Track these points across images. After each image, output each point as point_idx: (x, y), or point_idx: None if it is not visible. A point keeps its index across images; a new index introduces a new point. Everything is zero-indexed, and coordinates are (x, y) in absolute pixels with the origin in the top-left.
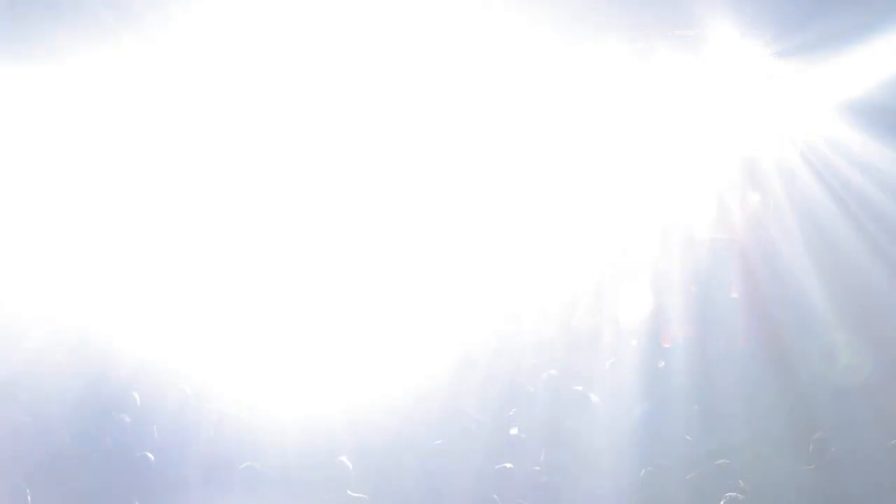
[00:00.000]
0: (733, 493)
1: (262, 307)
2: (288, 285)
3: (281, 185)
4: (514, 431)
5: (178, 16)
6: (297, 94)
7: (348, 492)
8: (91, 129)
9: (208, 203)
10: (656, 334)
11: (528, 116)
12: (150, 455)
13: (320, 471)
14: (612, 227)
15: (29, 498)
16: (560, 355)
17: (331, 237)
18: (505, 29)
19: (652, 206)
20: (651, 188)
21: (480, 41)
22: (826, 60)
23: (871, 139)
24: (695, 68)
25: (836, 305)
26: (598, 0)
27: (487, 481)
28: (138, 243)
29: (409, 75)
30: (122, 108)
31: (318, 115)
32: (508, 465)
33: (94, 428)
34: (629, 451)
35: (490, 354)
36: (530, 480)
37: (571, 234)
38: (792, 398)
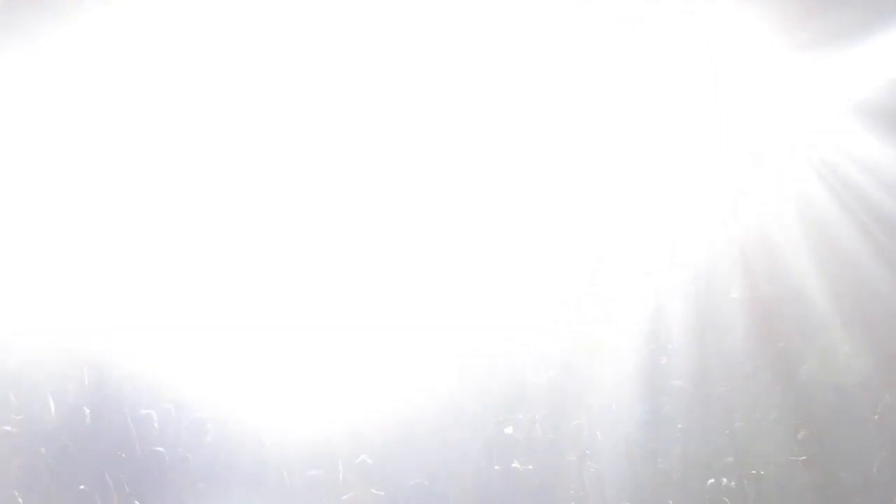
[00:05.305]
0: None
1: (270, 313)
2: (291, 290)
3: (279, 189)
4: (509, 431)
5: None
6: (294, 93)
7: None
8: (81, 128)
9: (205, 205)
10: (659, 334)
11: (534, 111)
12: (160, 452)
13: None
14: (615, 226)
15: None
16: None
17: (331, 242)
18: (507, 21)
19: (657, 204)
20: (658, 185)
21: (485, 39)
22: (838, 56)
23: (880, 135)
24: (705, 62)
25: (844, 307)
26: None
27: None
28: (129, 244)
29: (406, 72)
30: (116, 107)
31: (315, 115)
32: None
33: (91, 428)
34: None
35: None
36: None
37: (578, 233)
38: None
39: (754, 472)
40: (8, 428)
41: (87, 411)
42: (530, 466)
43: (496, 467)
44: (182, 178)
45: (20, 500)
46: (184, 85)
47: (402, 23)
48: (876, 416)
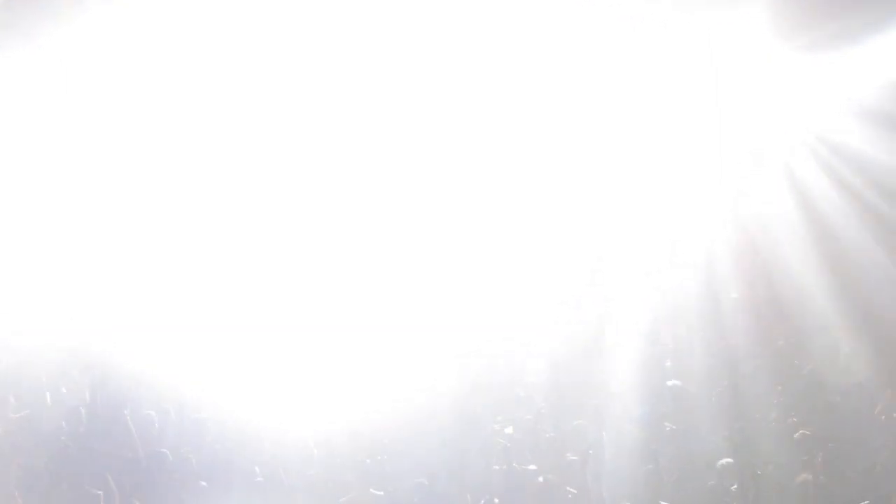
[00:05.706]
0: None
1: (270, 313)
2: (291, 291)
3: (279, 190)
4: (509, 431)
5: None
6: (293, 93)
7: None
8: (81, 127)
9: (205, 206)
10: (658, 334)
11: (534, 111)
12: (161, 452)
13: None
14: (615, 226)
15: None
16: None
17: (331, 242)
18: (507, 21)
19: (657, 204)
20: (658, 185)
21: (485, 39)
22: (838, 57)
23: (880, 136)
24: (706, 62)
25: (844, 306)
26: None
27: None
28: (129, 244)
29: (406, 73)
30: (116, 107)
31: (315, 115)
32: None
33: (91, 429)
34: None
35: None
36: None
37: (578, 233)
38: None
39: (751, 472)
40: (7, 428)
41: (87, 412)
42: (531, 466)
43: (496, 467)
44: (182, 178)
45: (20, 501)
46: (183, 85)
47: (401, 23)
48: (882, 417)
